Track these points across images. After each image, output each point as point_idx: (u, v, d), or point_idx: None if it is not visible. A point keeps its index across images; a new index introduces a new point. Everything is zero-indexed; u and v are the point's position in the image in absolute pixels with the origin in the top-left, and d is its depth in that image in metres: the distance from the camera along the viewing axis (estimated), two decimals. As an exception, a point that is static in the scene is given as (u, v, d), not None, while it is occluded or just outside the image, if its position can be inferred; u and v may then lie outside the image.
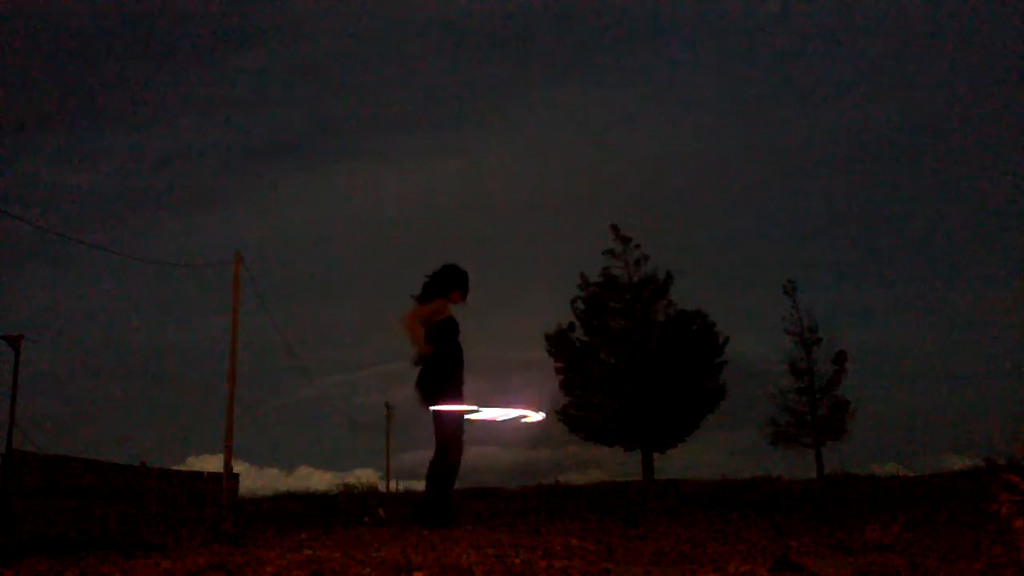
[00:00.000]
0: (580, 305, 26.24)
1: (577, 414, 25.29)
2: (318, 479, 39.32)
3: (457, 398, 6.03)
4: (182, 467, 20.80)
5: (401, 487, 35.92)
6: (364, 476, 38.21)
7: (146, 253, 46.45)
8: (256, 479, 38.83)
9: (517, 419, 5.95)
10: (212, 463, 29.47)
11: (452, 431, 6.02)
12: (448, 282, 6.26)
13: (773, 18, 47.85)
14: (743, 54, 48.73)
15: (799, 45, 49.23)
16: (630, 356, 25.03)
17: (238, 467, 18.98)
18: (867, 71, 49.20)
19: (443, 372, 6.04)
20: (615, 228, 26.41)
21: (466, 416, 6.04)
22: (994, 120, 44.36)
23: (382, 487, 36.11)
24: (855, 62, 49.47)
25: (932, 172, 45.15)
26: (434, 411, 5.94)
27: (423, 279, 6.29)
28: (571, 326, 26.18)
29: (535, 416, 5.98)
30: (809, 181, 48.28)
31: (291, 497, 35.78)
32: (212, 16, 48.67)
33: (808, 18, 48.15)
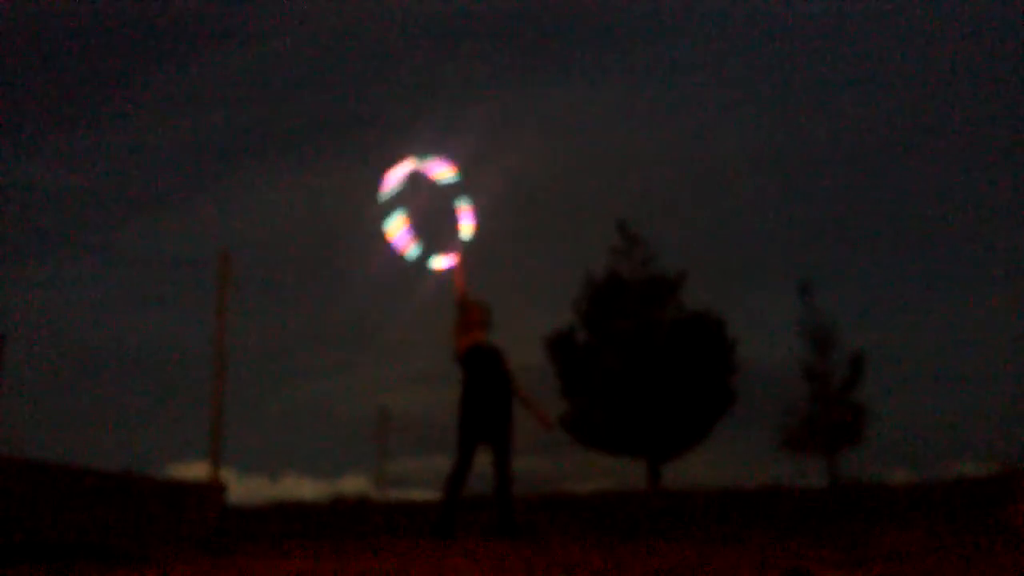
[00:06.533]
0: (584, 306, 25.78)
1: (579, 421, 24.96)
2: (306, 486, 39.13)
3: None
4: (167, 474, 20.55)
5: (393, 496, 35.76)
6: (355, 484, 38.03)
7: (139, 254, 46.14)
8: (242, 486, 38.59)
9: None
10: (197, 469, 29.25)
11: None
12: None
13: (772, 18, 47.79)
14: (743, 54, 48.61)
15: (799, 45, 49.11)
16: (636, 359, 24.60)
17: (225, 473, 18.69)
18: (867, 71, 49.09)
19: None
20: (621, 226, 26.04)
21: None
22: (994, 120, 44.18)
23: (374, 495, 35.98)
24: (855, 62, 49.38)
25: (933, 172, 45.00)
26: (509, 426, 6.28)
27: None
28: (572, 328, 25.75)
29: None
30: (813, 181, 48.13)
31: (279, 505, 35.56)
32: (210, 17, 48.72)
33: (808, 18, 48.06)
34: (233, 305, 18.36)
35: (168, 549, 6.25)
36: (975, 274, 41.96)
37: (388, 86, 52.20)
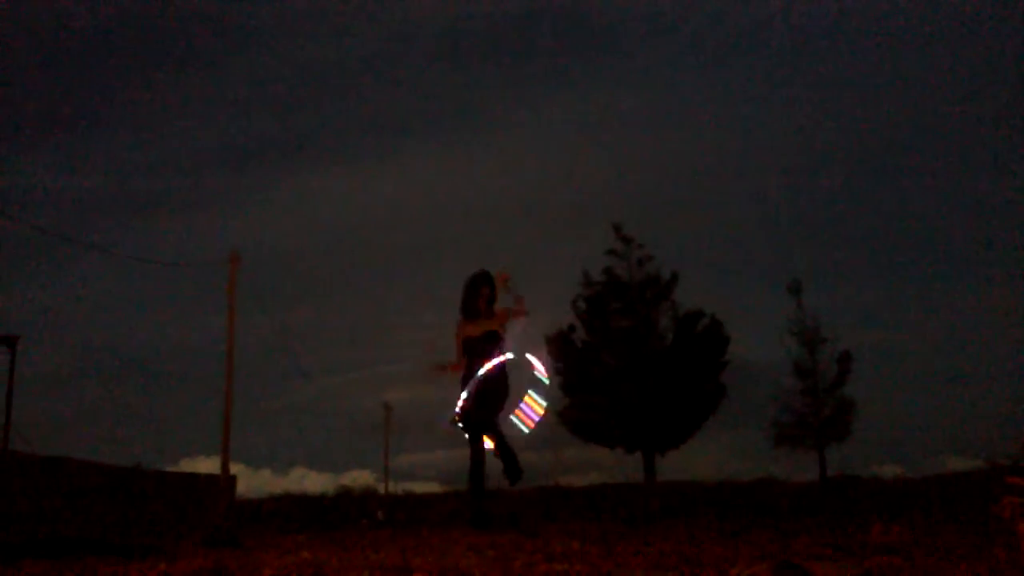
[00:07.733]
0: (582, 305, 26.06)
1: (578, 416, 25.15)
2: (313, 481, 39.13)
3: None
4: (177, 468, 20.64)
5: (400, 489, 35.82)
6: (360, 478, 38.02)
7: (145, 255, 46.25)
8: (251, 480, 38.65)
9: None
10: (207, 465, 29.34)
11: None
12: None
13: (772, 17, 47.76)
14: (743, 54, 48.57)
15: (799, 45, 49.10)
16: (632, 357, 24.88)
17: (233, 468, 18.80)
18: (867, 71, 49.12)
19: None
20: (617, 228, 26.28)
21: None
22: (994, 120, 44.24)
23: (379, 489, 36.02)
24: (855, 62, 49.40)
25: (933, 172, 45.07)
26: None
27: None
28: (572, 327, 26.01)
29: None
30: (810, 181, 48.21)
31: (287, 499, 35.65)
32: (211, 17, 48.65)
33: (808, 17, 48.03)
34: (240, 304, 18.49)
35: (177, 541, 6.35)
36: (973, 274, 42.12)
37: (389, 88, 52.22)
